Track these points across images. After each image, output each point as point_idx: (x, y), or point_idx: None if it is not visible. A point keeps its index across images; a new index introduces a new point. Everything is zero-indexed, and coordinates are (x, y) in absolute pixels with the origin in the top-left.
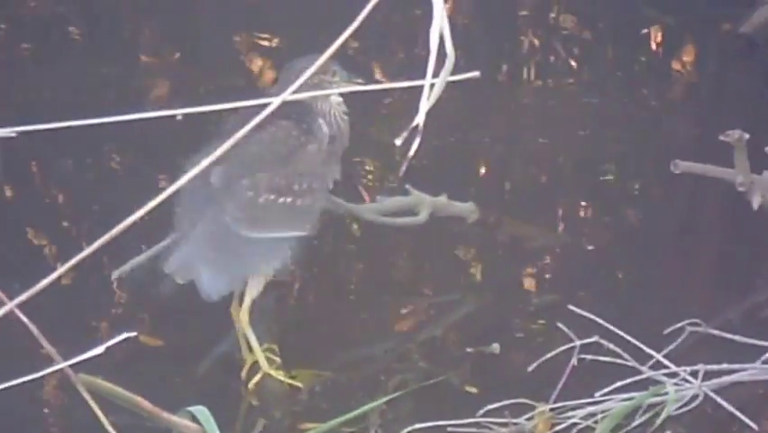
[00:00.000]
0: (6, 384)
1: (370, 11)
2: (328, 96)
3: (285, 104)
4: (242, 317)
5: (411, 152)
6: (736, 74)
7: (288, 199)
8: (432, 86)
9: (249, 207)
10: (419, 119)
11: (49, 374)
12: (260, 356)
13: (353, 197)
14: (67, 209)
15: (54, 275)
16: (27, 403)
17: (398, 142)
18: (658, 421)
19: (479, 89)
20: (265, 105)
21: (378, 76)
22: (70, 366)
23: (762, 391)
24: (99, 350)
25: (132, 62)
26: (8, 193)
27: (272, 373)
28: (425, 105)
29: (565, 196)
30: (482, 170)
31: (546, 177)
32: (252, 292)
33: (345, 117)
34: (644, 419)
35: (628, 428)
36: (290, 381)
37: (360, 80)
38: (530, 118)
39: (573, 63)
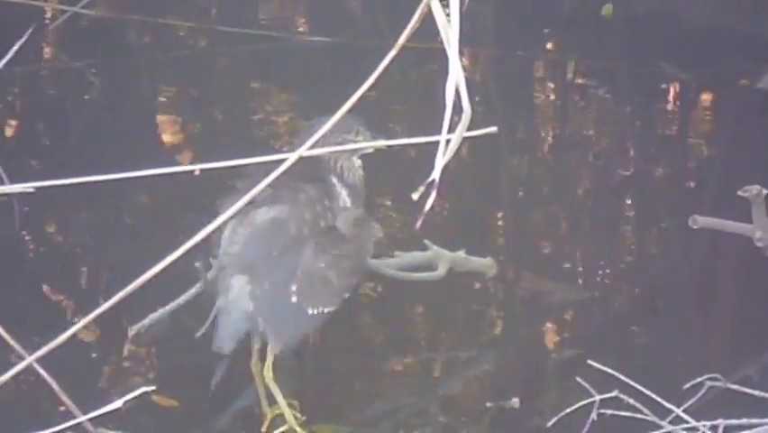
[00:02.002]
0: None
1: (388, 65)
2: (351, 156)
3: (307, 166)
4: (267, 373)
5: (427, 207)
6: (753, 129)
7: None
8: (448, 141)
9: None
10: (435, 174)
11: (68, 429)
12: (287, 412)
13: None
14: (85, 264)
15: (72, 330)
16: None
17: (415, 196)
18: None
19: (497, 145)
20: (283, 161)
21: (396, 130)
22: (89, 421)
23: None
24: (118, 404)
25: (150, 119)
26: (26, 248)
27: (297, 429)
28: (441, 159)
29: (584, 251)
30: (501, 226)
31: (565, 232)
32: (276, 349)
33: (362, 177)
34: None
35: None
36: None
37: (384, 143)
38: (548, 173)
39: (590, 119)
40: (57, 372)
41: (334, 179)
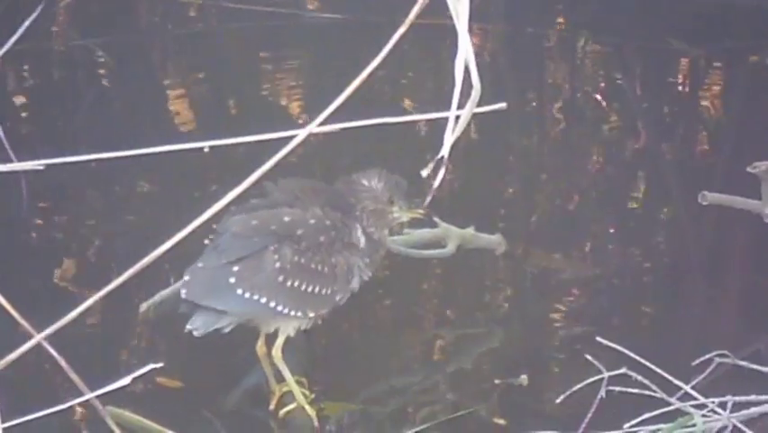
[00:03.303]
0: (33, 416)
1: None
2: (384, 219)
3: (334, 197)
4: (276, 353)
5: (436, 183)
6: (764, 105)
7: (307, 285)
8: (457, 117)
9: (272, 279)
10: (445, 151)
11: (76, 407)
12: (296, 389)
13: None
14: (94, 242)
15: (81, 307)
16: None
17: (425, 173)
18: None
19: (506, 121)
20: (292, 137)
21: (406, 106)
22: (99, 400)
23: None
24: (126, 381)
25: (160, 97)
26: (36, 226)
27: (306, 407)
28: (450, 136)
29: (593, 227)
30: (510, 202)
31: (574, 208)
32: (287, 332)
33: (386, 236)
34: None
35: None
36: (317, 412)
37: (421, 210)
38: (558, 150)
39: (600, 95)
40: (66, 350)
41: (358, 227)
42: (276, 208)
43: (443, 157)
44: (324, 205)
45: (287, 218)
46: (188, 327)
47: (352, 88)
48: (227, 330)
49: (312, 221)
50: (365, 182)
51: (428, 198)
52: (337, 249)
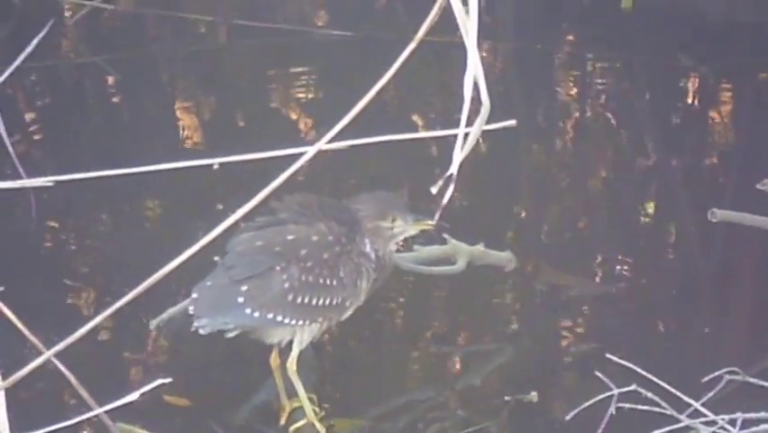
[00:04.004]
0: (42, 431)
1: (406, 59)
2: (383, 237)
3: (338, 212)
4: (291, 366)
5: (445, 200)
6: None
7: (318, 300)
8: (466, 135)
9: (281, 297)
10: (453, 168)
11: (86, 423)
12: (307, 405)
13: None
14: (103, 258)
15: (90, 324)
16: None
17: (434, 190)
18: None
19: (516, 138)
20: (301, 154)
21: (416, 123)
22: (108, 416)
23: None
24: (134, 396)
25: (169, 111)
26: (45, 243)
27: (316, 423)
28: (459, 153)
29: (603, 244)
30: (520, 219)
31: (584, 225)
32: (301, 344)
33: (394, 253)
34: None
35: None
36: (328, 429)
37: (429, 222)
38: (567, 166)
39: (609, 112)
40: (75, 366)
41: (366, 241)
42: (281, 226)
43: (452, 174)
44: (329, 220)
45: (290, 237)
46: (195, 324)
47: (361, 105)
48: (232, 334)
49: (315, 238)
50: (356, 205)
51: (437, 215)
52: (344, 261)
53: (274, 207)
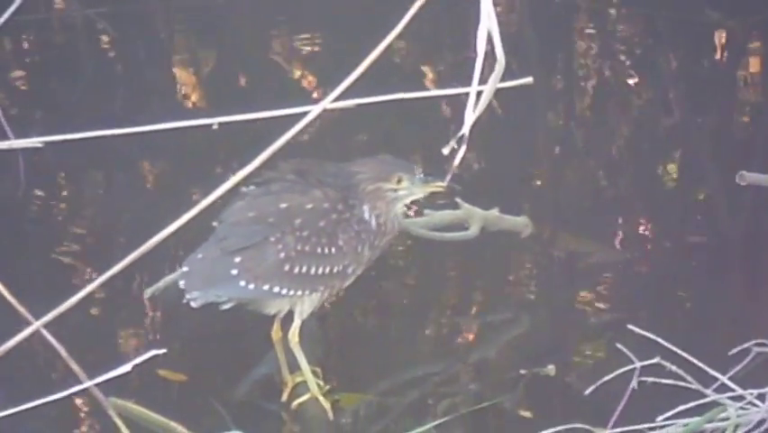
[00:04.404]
0: (30, 405)
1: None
2: (385, 199)
3: (333, 178)
4: (293, 337)
5: (456, 162)
6: None
7: (317, 269)
8: (480, 93)
9: (277, 268)
10: (466, 128)
11: (79, 398)
12: (311, 379)
13: None
14: (96, 224)
15: (81, 294)
16: (59, 429)
17: (446, 151)
18: None
19: (533, 97)
20: (305, 114)
21: (428, 80)
22: (101, 391)
23: None
24: (127, 368)
25: (166, 68)
26: (34, 208)
27: (320, 397)
28: (471, 113)
29: (624, 209)
30: (536, 183)
31: (604, 189)
32: (303, 314)
33: (400, 216)
34: None
35: None
36: (332, 404)
37: (440, 183)
38: (587, 127)
39: (633, 70)
40: (68, 338)
41: (365, 208)
42: (274, 195)
43: (463, 135)
44: (325, 186)
45: (284, 205)
46: (187, 297)
47: (368, 62)
48: (227, 306)
49: (309, 206)
50: (355, 168)
51: (448, 176)
52: (343, 228)
53: (268, 176)
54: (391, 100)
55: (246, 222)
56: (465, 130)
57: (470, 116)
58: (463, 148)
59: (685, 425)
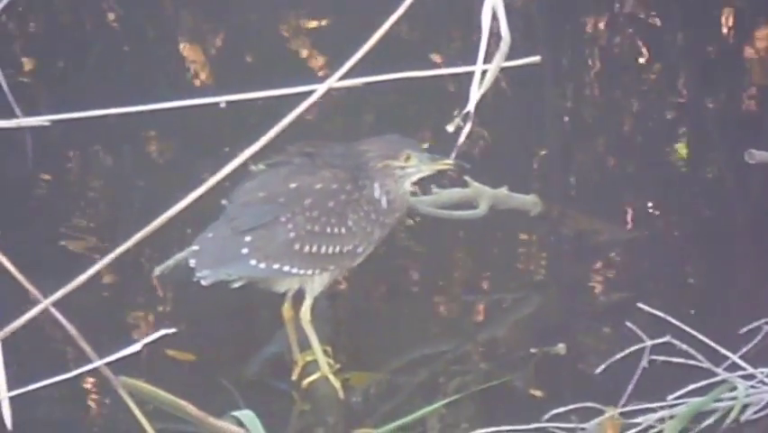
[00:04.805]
0: (40, 384)
1: None
2: (393, 176)
3: (342, 159)
4: (305, 315)
5: (461, 139)
6: None
7: (327, 248)
8: (485, 72)
9: (287, 247)
10: (471, 105)
11: (90, 377)
12: (321, 358)
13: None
14: (105, 203)
15: (89, 271)
16: (69, 409)
17: (450, 128)
18: (727, 421)
19: (541, 75)
20: (311, 92)
21: (436, 60)
22: (111, 371)
23: None
24: (137, 347)
25: (173, 48)
26: (42, 186)
27: (330, 376)
28: (476, 91)
29: (633, 187)
30: (545, 161)
31: (613, 167)
32: (315, 291)
33: (408, 194)
34: (717, 422)
35: (701, 429)
36: (343, 383)
37: (449, 161)
38: (595, 104)
39: (641, 48)
40: (76, 317)
41: (376, 186)
42: (283, 175)
43: (468, 112)
44: (333, 167)
45: (293, 185)
46: (197, 275)
47: (374, 40)
48: (237, 285)
49: (318, 186)
50: (364, 147)
51: (453, 153)
52: (352, 208)
53: (276, 159)
54: (397, 79)
55: (257, 202)
56: (470, 107)
57: (475, 94)
58: (468, 125)
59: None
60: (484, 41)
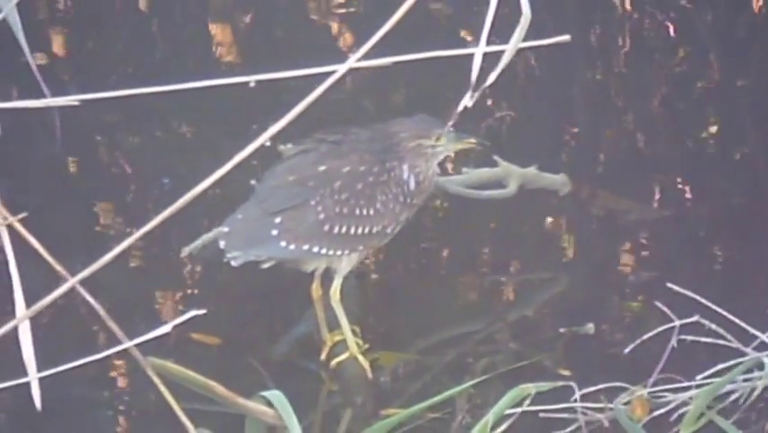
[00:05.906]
0: (70, 365)
1: None
2: (425, 155)
3: (368, 143)
4: (334, 295)
5: (459, 107)
6: None
7: (356, 229)
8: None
9: (317, 229)
10: (489, 82)
11: (119, 358)
12: (350, 337)
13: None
14: (132, 182)
15: (117, 250)
16: (98, 389)
17: (463, 104)
18: (753, 396)
19: (571, 54)
20: (335, 72)
21: (464, 38)
22: (139, 351)
23: None
24: (166, 328)
25: (202, 29)
26: (70, 166)
27: (359, 356)
28: (475, 72)
29: (663, 167)
30: (575, 140)
31: (643, 146)
32: (343, 271)
33: (435, 174)
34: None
35: (725, 405)
36: (371, 363)
37: (473, 140)
38: (625, 84)
39: (670, 27)
40: (104, 298)
41: (405, 167)
42: (312, 160)
43: (483, 89)
44: (361, 151)
45: (322, 168)
46: (227, 256)
47: (394, 19)
48: (266, 266)
49: (346, 169)
50: (394, 128)
51: (453, 117)
52: (381, 190)
53: (304, 146)
54: (423, 59)
55: (286, 185)
56: (489, 82)
57: (495, 71)
58: (474, 99)
59: (725, 381)
60: (489, 17)
